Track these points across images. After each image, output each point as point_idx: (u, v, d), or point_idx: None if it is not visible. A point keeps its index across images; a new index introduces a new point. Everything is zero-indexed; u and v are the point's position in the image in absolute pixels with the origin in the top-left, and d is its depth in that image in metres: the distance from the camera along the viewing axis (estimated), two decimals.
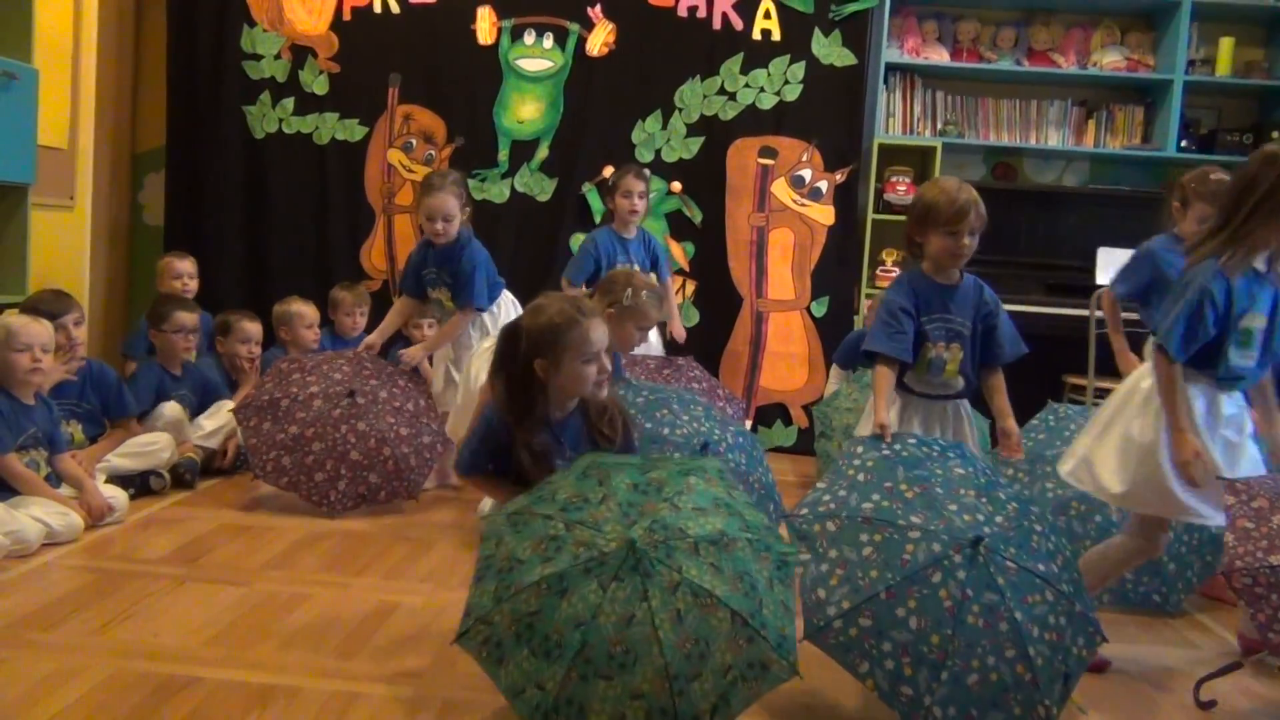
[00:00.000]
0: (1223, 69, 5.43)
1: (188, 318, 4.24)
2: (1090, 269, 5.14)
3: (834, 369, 4.97)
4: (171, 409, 4.10)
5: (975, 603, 2.21)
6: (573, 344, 2.50)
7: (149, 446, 3.86)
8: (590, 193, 5.40)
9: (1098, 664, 2.61)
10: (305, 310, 4.76)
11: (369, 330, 5.02)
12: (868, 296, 5.30)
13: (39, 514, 3.19)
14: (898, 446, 2.55)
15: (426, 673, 2.33)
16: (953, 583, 2.22)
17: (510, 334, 2.59)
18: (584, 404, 2.63)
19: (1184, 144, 5.39)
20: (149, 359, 4.28)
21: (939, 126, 5.58)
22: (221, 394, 4.38)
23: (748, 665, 2.03)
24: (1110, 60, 5.50)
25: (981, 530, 2.28)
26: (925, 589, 2.22)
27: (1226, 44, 5.41)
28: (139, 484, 3.77)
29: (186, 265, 4.78)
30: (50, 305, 3.73)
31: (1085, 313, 4.61)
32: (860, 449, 2.57)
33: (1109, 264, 5.14)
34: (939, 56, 5.56)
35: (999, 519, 2.34)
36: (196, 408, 4.27)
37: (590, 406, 2.62)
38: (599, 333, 2.55)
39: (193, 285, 4.77)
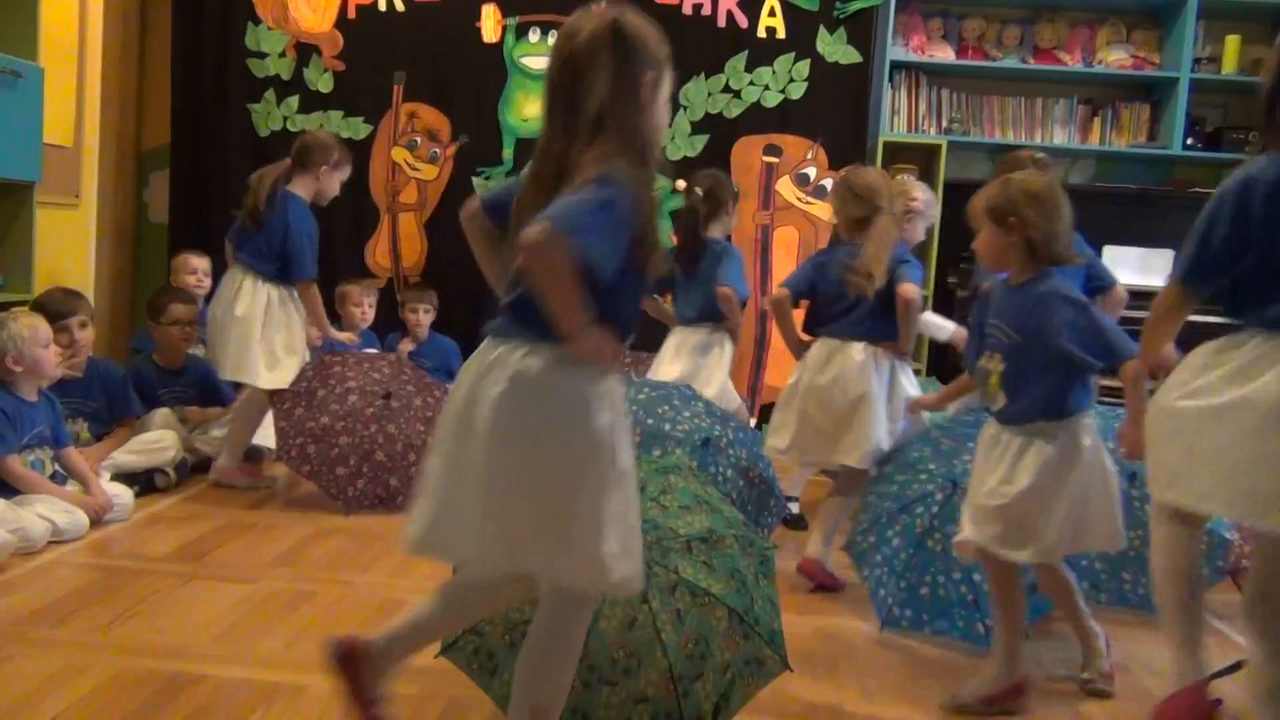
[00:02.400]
0: (1229, 66, 5.41)
1: (183, 310, 4.23)
2: None
3: None
4: (161, 416, 4.05)
5: (938, 532, 2.79)
6: None
7: (155, 444, 3.86)
8: None
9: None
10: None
11: (377, 323, 5.07)
12: None
13: (44, 512, 3.19)
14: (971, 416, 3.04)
15: (431, 670, 2.33)
16: (926, 515, 2.84)
17: None
18: None
19: (1190, 142, 5.37)
20: (145, 357, 4.28)
21: (944, 124, 5.57)
22: (222, 390, 4.38)
23: (744, 662, 2.04)
24: (1116, 58, 5.49)
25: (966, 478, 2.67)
26: (909, 517, 2.89)
27: (1233, 41, 5.40)
28: (144, 481, 3.78)
29: (202, 263, 4.77)
30: (59, 304, 3.74)
31: None
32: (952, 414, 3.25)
33: (1115, 262, 5.12)
34: (944, 54, 5.55)
35: None
36: (196, 402, 4.26)
37: None
38: None
39: (206, 282, 4.76)
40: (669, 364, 3.86)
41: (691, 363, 3.83)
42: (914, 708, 2.42)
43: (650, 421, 3.35)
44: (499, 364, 1.66)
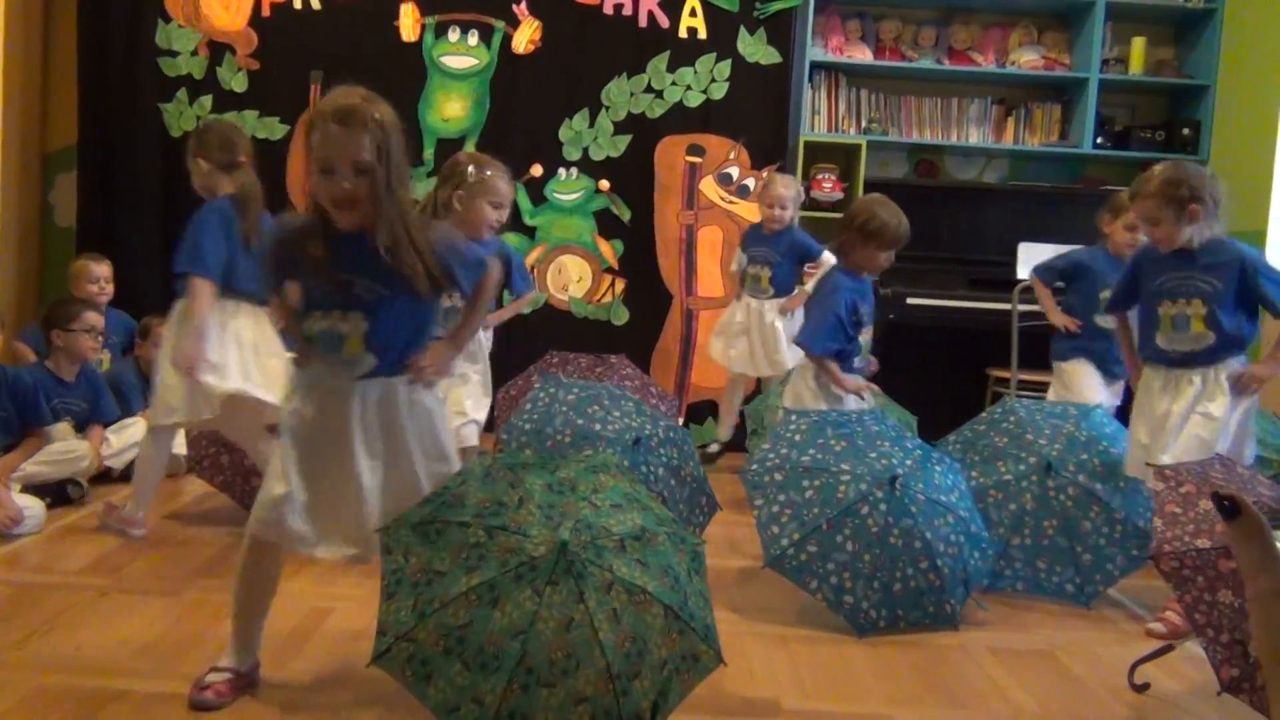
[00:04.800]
0: (1135, 67, 5.57)
1: (95, 317, 3.99)
2: (1011, 263, 5.24)
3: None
4: (60, 431, 3.83)
5: (896, 527, 2.86)
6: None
7: (68, 454, 3.73)
8: (518, 191, 5.36)
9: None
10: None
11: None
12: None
13: None
14: (825, 414, 3.21)
15: (364, 678, 2.29)
16: (877, 513, 2.87)
17: None
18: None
19: (1099, 141, 5.52)
20: (39, 364, 3.99)
21: (863, 124, 5.64)
22: (132, 401, 4.24)
23: (681, 658, 2.04)
24: (1028, 59, 5.62)
25: (896, 471, 2.91)
26: (856, 519, 2.87)
27: (1138, 43, 5.56)
28: (56, 493, 3.65)
29: (103, 269, 4.60)
30: None
31: (1008, 306, 4.69)
32: (794, 418, 3.19)
33: (1029, 258, 5.23)
34: (862, 55, 5.62)
35: (908, 461, 2.98)
36: (87, 416, 3.99)
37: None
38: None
39: (109, 289, 4.61)
40: None
41: None
42: (850, 702, 2.44)
43: (580, 421, 3.35)
44: None
